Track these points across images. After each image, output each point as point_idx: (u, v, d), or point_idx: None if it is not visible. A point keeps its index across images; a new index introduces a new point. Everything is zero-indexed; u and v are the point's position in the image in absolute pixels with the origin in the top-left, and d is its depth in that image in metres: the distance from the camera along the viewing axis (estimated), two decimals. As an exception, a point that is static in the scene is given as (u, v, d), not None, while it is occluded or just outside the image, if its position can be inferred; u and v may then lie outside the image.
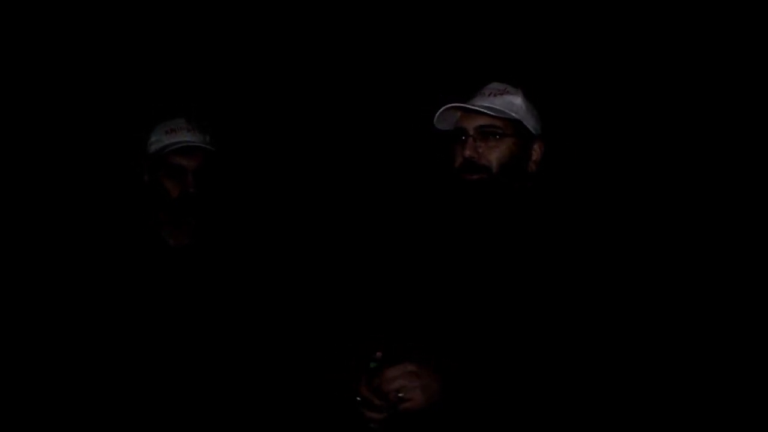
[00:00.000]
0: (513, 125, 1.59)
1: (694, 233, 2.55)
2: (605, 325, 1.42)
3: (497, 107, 1.58)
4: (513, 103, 1.61)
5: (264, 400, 1.92)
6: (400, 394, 1.36)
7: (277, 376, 1.93)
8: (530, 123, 1.61)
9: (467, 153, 1.56)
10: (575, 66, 2.68)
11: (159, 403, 1.82)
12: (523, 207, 1.58)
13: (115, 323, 1.84)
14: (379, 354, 1.42)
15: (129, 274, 1.87)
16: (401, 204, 1.76)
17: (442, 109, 1.59)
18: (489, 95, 1.63)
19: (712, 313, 2.44)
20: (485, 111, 1.56)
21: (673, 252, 2.49)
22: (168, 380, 1.83)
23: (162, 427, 1.82)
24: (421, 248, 1.64)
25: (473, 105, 1.58)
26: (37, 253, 2.34)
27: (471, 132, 1.58)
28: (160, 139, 1.91)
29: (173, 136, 1.90)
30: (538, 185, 1.62)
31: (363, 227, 1.73)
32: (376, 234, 1.69)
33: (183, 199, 1.87)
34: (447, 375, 1.39)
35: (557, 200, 1.62)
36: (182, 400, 1.83)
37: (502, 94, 1.63)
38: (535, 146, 1.63)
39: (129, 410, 1.81)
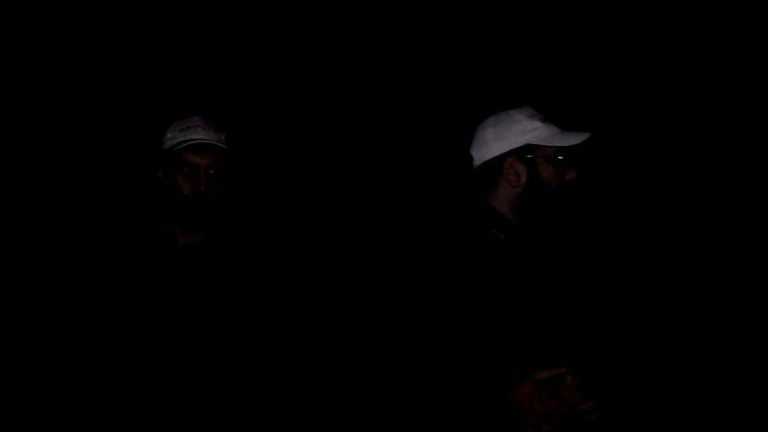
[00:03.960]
0: None
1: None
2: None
3: None
4: None
5: (274, 403, 1.91)
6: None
7: (285, 377, 1.92)
8: None
9: (574, 175, 1.62)
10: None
11: (163, 402, 1.79)
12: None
13: (120, 320, 1.81)
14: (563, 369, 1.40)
15: (136, 271, 1.86)
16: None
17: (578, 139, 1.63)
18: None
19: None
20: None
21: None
22: (173, 380, 1.80)
23: (168, 427, 1.79)
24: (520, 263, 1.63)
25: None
26: (42, 249, 2.33)
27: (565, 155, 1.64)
28: (174, 136, 1.92)
29: (188, 133, 1.91)
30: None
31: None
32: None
33: (194, 196, 1.87)
34: None
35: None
36: (188, 399, 1.80)
37: None
38: None
39: (132, 409, 1.78)
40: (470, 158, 1.71)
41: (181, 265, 1.89)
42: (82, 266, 1.87)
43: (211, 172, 1.89)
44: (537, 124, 1.62)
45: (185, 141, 1.88)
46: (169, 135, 1.94)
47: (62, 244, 1.96)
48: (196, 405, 1.81)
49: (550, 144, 1.60)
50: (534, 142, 1.61)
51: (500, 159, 1.63)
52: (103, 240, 1.90)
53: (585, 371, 1.40)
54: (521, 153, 1.62)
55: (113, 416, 1.78)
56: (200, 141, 1.88)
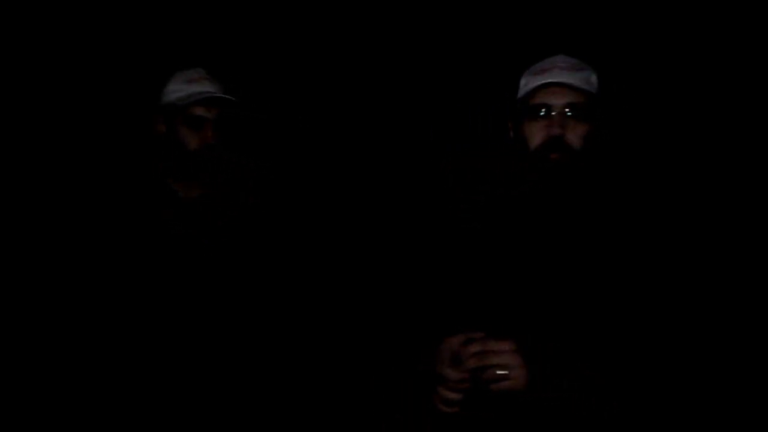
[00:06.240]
0: (594, 104, 1.49)
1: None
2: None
3: (584, 85, 1.48)
4: (590, 81, 1.51)
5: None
6: (502, 372, 1.23)
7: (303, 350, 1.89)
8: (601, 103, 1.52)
9: (556, 131, 1.44)
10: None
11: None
12: (598, 191, 1.48)
13: (118, 277, 1.76)
14: (481, 334, 1.28)
15: (136, 226, 1.81)
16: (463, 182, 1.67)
17: (538, 83, 1.47)
18: (568, 69, 1.50)
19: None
20: (582, 87, 1.46)
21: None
22: (178, 338, 1.76)
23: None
24: (500, 231, 1.50)
25: (566, 80, 1.47)
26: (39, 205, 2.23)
27: (558, 109, 1.47)
28: (180, 89, 1.87)
29: (195, 85, 1.87)
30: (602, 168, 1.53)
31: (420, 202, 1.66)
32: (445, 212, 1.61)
33: (201, 150, 1.84)
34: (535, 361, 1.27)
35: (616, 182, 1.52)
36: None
37: (580, 70, 1.51)
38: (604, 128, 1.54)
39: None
40: None
41: (182, 220, 1.86)
42: (85, 226, 1.81)
43: (219, 125, 1.86)
44: (527, 79, 1.53)
45: (196, 94, 1.84)
46: (172, 87, 1.89)
47: (62, 203, 1.90)
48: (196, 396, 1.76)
49: (520, 96, 1.51)
50: (519, 96, 1.53)
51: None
52: (99, 196, 1.85)
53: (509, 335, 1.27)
54: (512, 114, 1.56)
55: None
56: (212, 94, 1.85)
